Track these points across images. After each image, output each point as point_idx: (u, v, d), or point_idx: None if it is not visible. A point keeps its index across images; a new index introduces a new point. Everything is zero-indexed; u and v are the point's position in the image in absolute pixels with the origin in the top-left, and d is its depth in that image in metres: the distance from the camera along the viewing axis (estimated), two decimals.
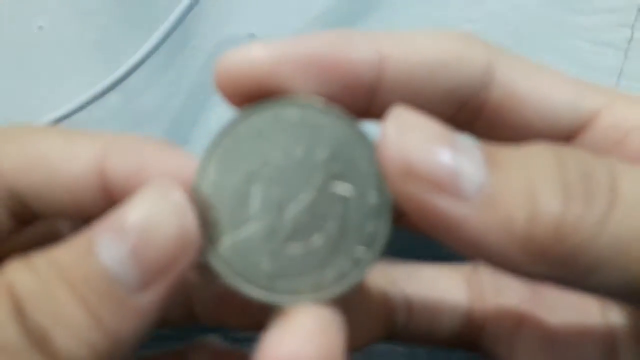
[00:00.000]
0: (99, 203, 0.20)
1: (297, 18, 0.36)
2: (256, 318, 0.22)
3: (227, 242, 0.19)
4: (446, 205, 0.16)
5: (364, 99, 0.20)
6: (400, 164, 0.16)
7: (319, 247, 0.19)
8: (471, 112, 0.21)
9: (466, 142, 0.17)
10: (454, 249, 0.17)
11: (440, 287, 0.25)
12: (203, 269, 0.19)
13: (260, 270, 0.19)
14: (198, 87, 0.37)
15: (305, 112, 0.20)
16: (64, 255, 0.17)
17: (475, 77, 0.20)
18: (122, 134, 0.20)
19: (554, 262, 0.16)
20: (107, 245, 0.17)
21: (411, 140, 0.17)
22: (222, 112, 0.37)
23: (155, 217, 0.17)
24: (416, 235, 0.24)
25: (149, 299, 0.17)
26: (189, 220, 0.18)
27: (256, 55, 0.19)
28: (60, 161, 0.19)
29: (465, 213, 0.16)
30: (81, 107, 0.35)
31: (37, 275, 0.17)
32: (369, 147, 0.19)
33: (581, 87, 0.20)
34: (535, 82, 0.20)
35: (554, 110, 0.20)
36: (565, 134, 0.20)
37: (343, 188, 0.19)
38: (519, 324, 0.24)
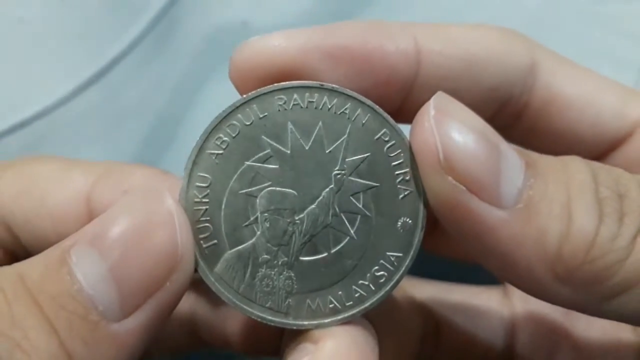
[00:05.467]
0: None
1: (293, 4, 0.35)
2: (266, 340, 0.21)
3: (225, 260, 0.17)
4: (482, 209, 0.15)
5: (397, 96, 0.19)
6: (437, 153, 0.15)
7: (339, 258, 0.17)
8: (510, 115, 0.20)
9: (507, 143, 0.16)
10: (482, 265, 0.17)
11: (476, 303, 0.24)
12: (202, 285, 0.17)
13: (270, 290, 0.17)
14: (186, 80, 0.35)
15: (319, 96, 0.17)
16: (33, 269, 0.15)
17: (519, 76, 0.19)
18: (117, 163, 0.20)
19: (579, 284, 0.16)
20: (83, 260, 0.15)
21: (453, 127, 0.16)
22: (213, 108, 0.35)
23: (142, 227, 0.15)
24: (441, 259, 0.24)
25: (130, 328, 0.15)
26: (184, 233, 0.16)
27: (279, 45, 0.17)
28: (52, 187, 0.19)
29: (500, 219, 0.15)
30: (61, 102, 0.34)
31: (0, 292, 0.15)
32: (399, 137, 0.17)
33: (628, 93, 0.20)
34: (580, 85, 0.20)
35: (599, 117, 0.20)
36: (609, 144, 0.20)
37: (366, 186, 0.17)
38: (556, 343, 0.23)
